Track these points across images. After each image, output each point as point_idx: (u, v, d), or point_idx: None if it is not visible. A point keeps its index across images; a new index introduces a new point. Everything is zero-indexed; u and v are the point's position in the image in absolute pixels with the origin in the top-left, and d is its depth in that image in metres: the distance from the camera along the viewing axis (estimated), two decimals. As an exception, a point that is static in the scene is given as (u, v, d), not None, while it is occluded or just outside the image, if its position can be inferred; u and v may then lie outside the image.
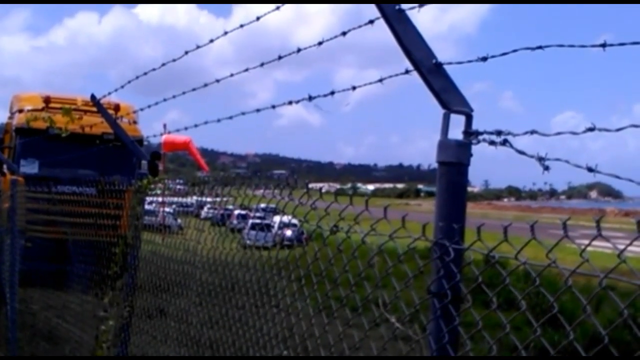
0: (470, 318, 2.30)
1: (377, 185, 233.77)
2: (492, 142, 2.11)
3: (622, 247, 1.67)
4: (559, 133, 1.94)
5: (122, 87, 5.51)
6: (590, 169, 1.82)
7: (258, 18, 3.47)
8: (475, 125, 2.24)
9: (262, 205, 4.56)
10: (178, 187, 6.46)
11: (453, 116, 2.27)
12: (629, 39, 1.91)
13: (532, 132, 1.97)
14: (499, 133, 2.08)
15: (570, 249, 2.02)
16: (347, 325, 2.91)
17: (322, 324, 3.14)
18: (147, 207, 5.72)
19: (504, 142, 2.06)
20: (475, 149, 2.23)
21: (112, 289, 5.60)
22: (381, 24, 2.39)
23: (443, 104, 2.26)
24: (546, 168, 1.92)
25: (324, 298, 3.15)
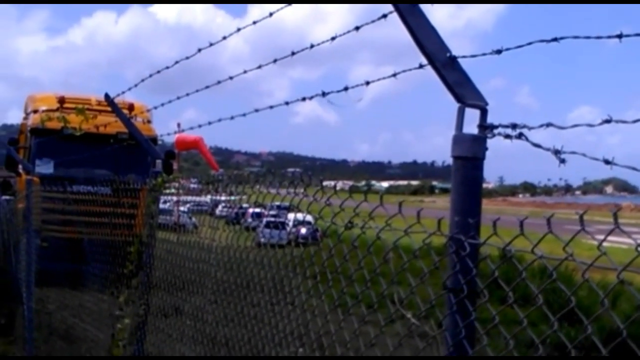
0: (487, 314, 2.28)
1: (391, 182, 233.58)
2: (507, 136, 2.09)
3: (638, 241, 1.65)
4: (575, 125, 1.93)
5: (136, 85, 5.53)
6: (607, 162, 1.80)
7: (271, 14, 3.46)
8: (491, 121, 2.22)
9: (277, 203, 4.57)
10: (192, 185, 6.48)
11: (467, 112, 2.25)
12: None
13: (548, 124, 1.96)
14: (514, 126, 2.06)
15: (586, 244, 2.00)
16: (363, 321, 2.90)
17: (337, 321, 3.13)
18: (161, 206, 5.73)
19: (520, 136, 2.04)
20: (489, 144, 2.21)
21: (128, 288, 5.62)
22: (396, 20, 2.37)
23: (457, 97, 2.24)
24: (562, 161, 1.91)
25: (339, 295, 3.14)
